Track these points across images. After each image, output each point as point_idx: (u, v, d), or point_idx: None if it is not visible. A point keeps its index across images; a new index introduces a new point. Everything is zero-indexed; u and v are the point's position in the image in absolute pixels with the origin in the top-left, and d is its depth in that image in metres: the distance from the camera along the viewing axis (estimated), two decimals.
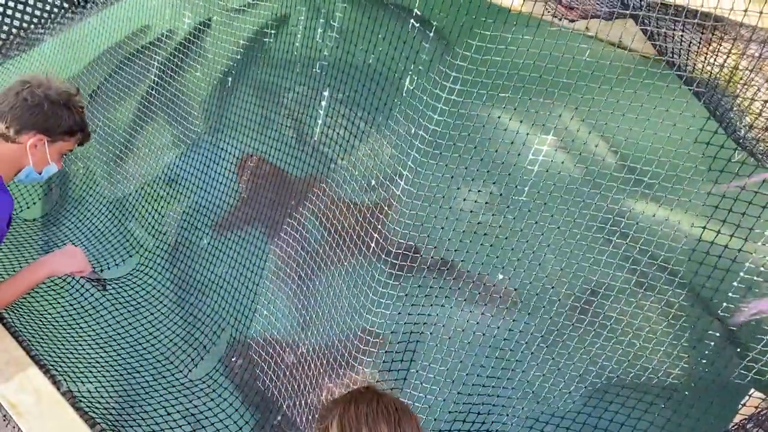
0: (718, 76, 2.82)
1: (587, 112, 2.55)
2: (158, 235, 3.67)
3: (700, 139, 2.40)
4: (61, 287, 3.38)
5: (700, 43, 2.77)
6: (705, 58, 2.80)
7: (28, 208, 3.97)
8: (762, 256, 2.14)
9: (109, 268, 3.57)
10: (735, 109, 2.89)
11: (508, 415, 2.62)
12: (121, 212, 3.85)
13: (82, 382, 2.89)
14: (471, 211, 2.55)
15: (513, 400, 2.62)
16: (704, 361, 2.45)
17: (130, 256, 3.64)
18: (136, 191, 3.89)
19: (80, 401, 2.72)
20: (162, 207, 3.76)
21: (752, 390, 2.52)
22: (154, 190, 3.84)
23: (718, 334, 2.40)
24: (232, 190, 3.59)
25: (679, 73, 2.68)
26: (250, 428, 2.91)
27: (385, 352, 2.67)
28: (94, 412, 2.71)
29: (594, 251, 2.45)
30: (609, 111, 2.45)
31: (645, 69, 2.44)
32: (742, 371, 2.31)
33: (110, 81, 4.32)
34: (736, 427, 2.45)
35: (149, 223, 3.73)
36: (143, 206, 3.81)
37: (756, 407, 2.41)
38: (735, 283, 2.22)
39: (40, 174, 2.64)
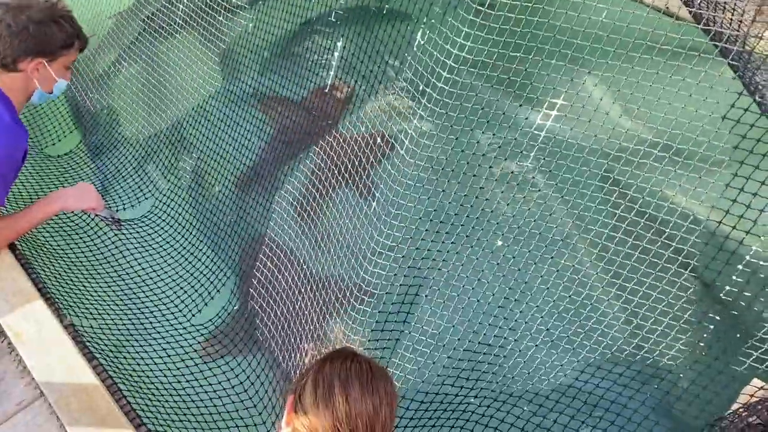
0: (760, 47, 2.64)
1: (613, 79, 2.41)
2: (174, 179, 3.70)
3: (731, 114, 2.24)
4: (76, 224, 3.45)
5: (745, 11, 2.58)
6: (747, 27, 2.62)
7: (53, 144, 4.05)
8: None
9: (125, 209, 3.63)
10: None
11: (497, 383, 2.59)
12: (141, 154, 3.88)
13: (86, 318, 2.97)
14: (474, 175, 2.48)
15: (504, 368, 2.58)
16: (702, 344, 2.36)
17: (146, 199, 3.68)
18: (156, 135, 3.91)
19: (82, 335, 2.80)
20: (179, 152, 3.78)
21: (753, 379, 2.43)
22: (174, 135, 3.85)
23: (718, 318, 2.30)
24: (245, 139, 3.58)
25: (717, 43, 2.50)
26: (246, 376, 2.95)
27: (379, 312, 2.66)
28: (94, 346, 2.78)
29: (597, 223, 2.36)
30: (636, 79, 2.30)
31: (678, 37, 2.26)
32: (741, 357, 2.21)
33: (150, 23, 4.31)
34: (731, 414, 2.37)
35: (166, 167, 3.76)
36: (162, 150, 3.83)
37: (751, 395, 2.32)
38: (740, 266, 2.11)
39: (51, 93, 2.65)
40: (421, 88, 2.45)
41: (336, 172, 3.03)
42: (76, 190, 2.85)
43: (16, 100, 2.58)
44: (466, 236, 2.54)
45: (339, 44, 3.15)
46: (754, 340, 2.11)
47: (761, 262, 2.06)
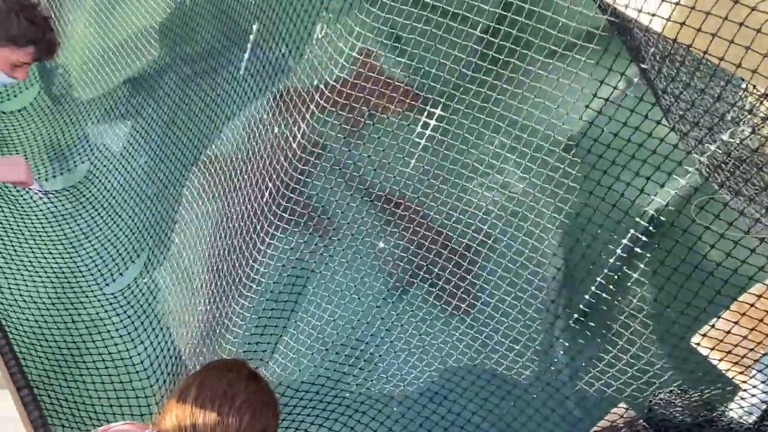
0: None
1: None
2: (103, 148, 3.73)
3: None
4: None
5: None
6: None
7: (1, 102, 4.09)
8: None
9: (54, 177, 3.68)
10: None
11: (372, 380, 2.62)
12: (83, 115, 3.91)
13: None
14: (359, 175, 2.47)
15: (378, 367, 2.61)
16: (556, 360, 2.36)
17: (76, 166, 3.73)
18: (99, 97, 3.92)
19: None
20: (113, 117, 3.79)
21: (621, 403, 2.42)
22: (113, 100, 3.86)
23: (582, 340, 2.28)
24: (169, 109, 3.57)
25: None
26: (143, 348, 3.02)
27: (266, 300, 2.68)
28: (5, 319, 2.83)
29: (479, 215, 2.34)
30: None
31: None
32: (602, 386, 2.21)
33: None
34: None
35: (105, 131, 3.78)
36: (100, 112, 3.85)
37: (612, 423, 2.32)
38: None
39: None
40: (315, 83, 2.43)
41: (248, 154, 3.03)
42: (8, 163, 2.88)
43: None
44: (351, 234, 2.54)
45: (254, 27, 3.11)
46: (614, 370, 2.09)
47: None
